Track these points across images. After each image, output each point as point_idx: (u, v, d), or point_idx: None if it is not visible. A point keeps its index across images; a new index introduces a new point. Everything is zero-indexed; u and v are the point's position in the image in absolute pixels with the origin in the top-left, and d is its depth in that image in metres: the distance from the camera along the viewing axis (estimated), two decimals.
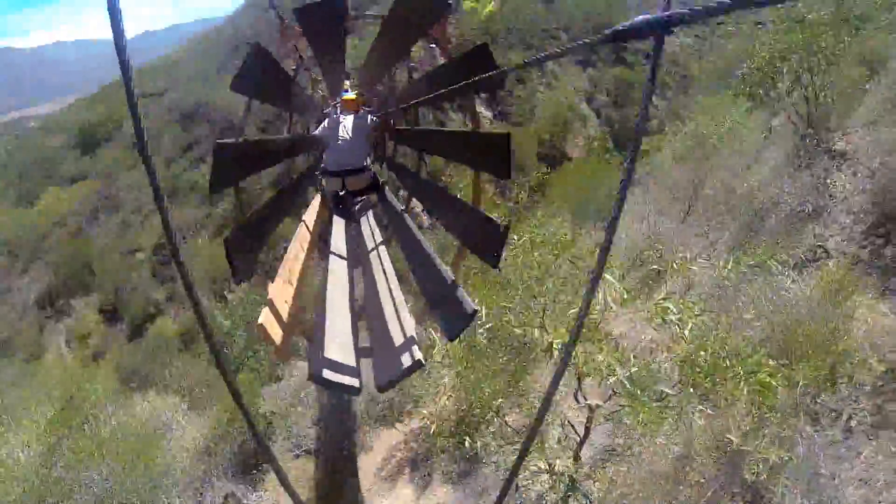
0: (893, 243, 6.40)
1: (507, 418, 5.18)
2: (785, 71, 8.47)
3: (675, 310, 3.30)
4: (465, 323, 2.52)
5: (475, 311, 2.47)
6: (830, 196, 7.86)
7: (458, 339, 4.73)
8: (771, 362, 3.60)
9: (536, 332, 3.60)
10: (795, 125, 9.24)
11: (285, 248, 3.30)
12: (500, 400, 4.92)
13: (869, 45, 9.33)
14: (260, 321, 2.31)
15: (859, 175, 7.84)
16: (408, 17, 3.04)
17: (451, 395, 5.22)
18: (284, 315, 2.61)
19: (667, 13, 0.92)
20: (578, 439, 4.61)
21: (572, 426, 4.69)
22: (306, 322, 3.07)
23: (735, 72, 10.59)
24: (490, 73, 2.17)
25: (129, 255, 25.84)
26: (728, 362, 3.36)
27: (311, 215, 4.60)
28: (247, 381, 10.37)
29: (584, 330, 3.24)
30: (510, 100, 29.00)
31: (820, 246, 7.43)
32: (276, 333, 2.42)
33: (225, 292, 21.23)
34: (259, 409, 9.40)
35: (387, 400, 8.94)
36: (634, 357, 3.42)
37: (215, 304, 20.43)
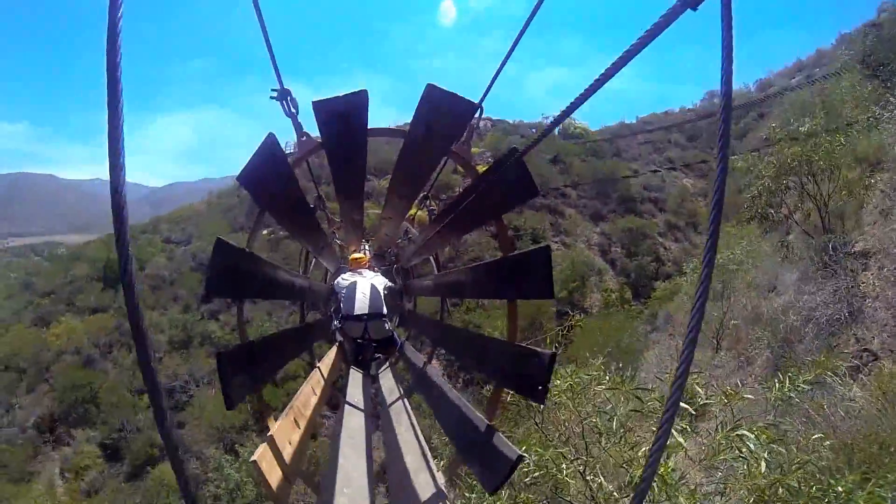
0: None
1: None
2: (791, 185, 8.78)
3: (752, 437, 2.89)
4: (508, 471, 2.10)
5: (520, 457, 2.07)
6: (863, 296, 7.63)
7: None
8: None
9: (604, 482, 3.11)
10: (810, 236, 9.31)
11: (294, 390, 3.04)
12: None
13: (862, 146, 9.76)
14: (254, 458, 1.99)
15: (886, 268, 7.69)
16: (429, 131, 2.53)
17: None
18: (286, 457, 2.33)
19: None
20: None
21: None
22: (312, 473, 2.72)
23: (743, 196, 10.96)
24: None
25: (138, 396, 24.96)
26: (815, 488, 2.85)
27: (326, 363, 4.43)
28: None
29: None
30: None
31: (865, 349, 7.04)
32: (274, 475, 2.11)
33: (236, 446, 20.36)
34: None
35: None
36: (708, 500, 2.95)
37: (224, 456, 19.52)
